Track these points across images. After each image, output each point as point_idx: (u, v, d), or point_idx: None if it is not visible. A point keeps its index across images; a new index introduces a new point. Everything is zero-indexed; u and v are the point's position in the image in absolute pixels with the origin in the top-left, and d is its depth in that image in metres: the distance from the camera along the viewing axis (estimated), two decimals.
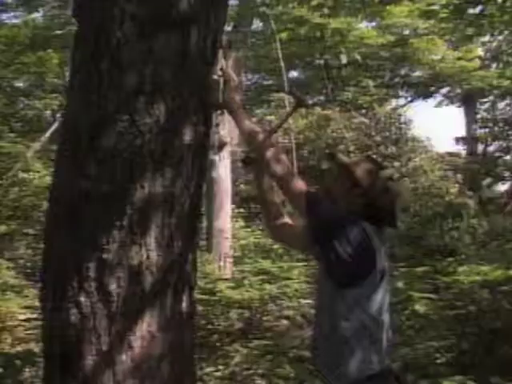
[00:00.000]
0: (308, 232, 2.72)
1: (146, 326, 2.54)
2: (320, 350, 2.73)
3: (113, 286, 2.49)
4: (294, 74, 22.39)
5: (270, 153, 2.77)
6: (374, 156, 14.02)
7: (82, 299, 2.49)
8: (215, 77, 2.83)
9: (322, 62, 20.33)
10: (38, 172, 11.62)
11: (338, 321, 2.60)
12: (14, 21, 16.52)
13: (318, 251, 2.74)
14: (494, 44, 20.95)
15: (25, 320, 7.31)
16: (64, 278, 2.52)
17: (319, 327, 2.76)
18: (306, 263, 8.73)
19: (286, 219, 3.00)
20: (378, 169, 2.82)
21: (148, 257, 2.53)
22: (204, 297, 7.31)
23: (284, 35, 15.20)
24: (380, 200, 2.73)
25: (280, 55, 11.28)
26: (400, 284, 6.78)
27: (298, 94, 3.04)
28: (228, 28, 11.64)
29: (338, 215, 2.71)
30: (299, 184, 2.75)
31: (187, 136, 2.62)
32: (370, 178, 2.75)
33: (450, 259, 8.39)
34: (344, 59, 17.38)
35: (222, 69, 2.88)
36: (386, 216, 2.77)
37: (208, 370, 6.23)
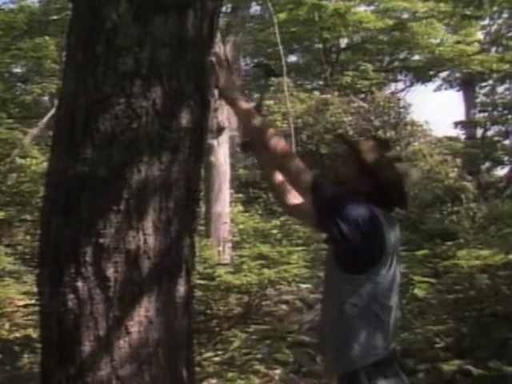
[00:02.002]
0: (314, 214, 2.67)
1: (144, 311, 2.52)
2: (327, 335, 2.71)
3: (110, 271, 2.47)
4: (292, 58, 22.37)
5: (268, 134, 2.75)
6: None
7: (79, 284, 2.47)
8: (213, 59, 2.79)
9: (320, 46, 20.26)
10: (36, 158, 11.60)
11: (344, 306, 2.58)
12: (11, 6, 16.45)
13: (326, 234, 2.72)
14: (494, 27, 20.90)
15: (23, 306, 7.31)
16: (61, 263, 2.50)
17: (326, 312, 2.74)
18: (304, 248, 8.73)
19: (297, 198, 2.94)
20: (385, 147, 2.76)
21: (145, 241, 2.51)
22: (203, 282, 7.30)
23: (282, 16, 15.16)
24: (386, 178, 2.66)
25: (278, 39, 11.22)
26: (400, 268, 6.77)
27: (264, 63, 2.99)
28: (227, 10, 11.60)
29: (345, 195, 2.65)
30: (299, 164, 2.71)
31: (184, 119, 2.59)
32: (376, 155, 2.69)
33: (450, 243, 8.39)
34: (343, 43, 17.32)
35: (215, 53, 2.84)
36: (394, 196, 2.71)
37: (207, 355, 6.24)
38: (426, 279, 6.45)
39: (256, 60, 21.75)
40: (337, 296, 2.61)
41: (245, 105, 2.85)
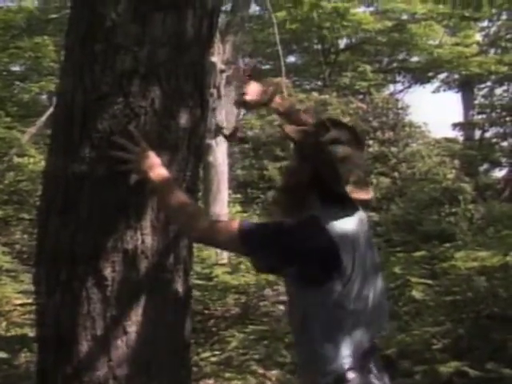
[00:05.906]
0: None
1: (142, 310, 2.52)
2: (296, 348, 2.52)
3: (107, 271, 2.46)
4: (291, 58, 22.39)
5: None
6: (374, 139, 13.98)
7: (76, 284, 2.46)
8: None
9: (319, 47, 20.27)
10: (34, 157, 11.59)
11: (304, 319, 2.33)
12: (10, 4, 16.41)
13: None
14: (492, 29, 20.92)
15: (20, 305, 7.28)
16: (58, 262, 2.49)
17: (291, 325, 2.53)
18: None
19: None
20: (324, 128, 2.35)
21: (143, 241, 2.51)
22: (200, 282, 7.29)
23: (281, 15, 15.16)
24: (318, 164, 2.31)
25: (277, 40, 11.21)
26: (397, 269, 6.77)
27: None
28: (227, 9, 11.59)
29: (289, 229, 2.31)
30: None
31: (183, 119, 2.59)
32: (305, 135, 2.39)
33: (447, 245, 8.38)
34: (342, 44, 17.32)
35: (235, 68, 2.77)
36: (333, 187, 2.30)
37: (204, 355, 6.22)
38: (423, 281, 6.43)
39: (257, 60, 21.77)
40: (297, 307, 2.39)
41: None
